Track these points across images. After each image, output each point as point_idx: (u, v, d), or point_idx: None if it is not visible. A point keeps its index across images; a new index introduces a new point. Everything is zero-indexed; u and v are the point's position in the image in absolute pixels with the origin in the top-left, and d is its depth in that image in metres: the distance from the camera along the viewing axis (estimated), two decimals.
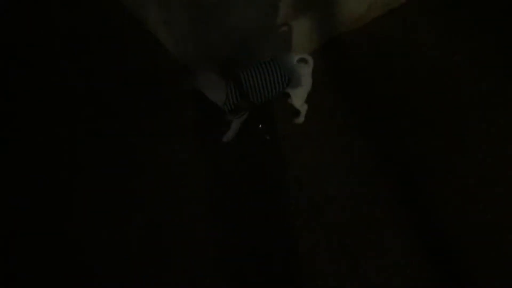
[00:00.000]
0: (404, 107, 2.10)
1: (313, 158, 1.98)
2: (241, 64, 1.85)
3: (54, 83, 2.22)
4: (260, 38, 1.98)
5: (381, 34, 2.36)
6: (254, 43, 1.98)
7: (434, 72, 2.22)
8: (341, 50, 2.33)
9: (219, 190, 1.91)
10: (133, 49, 2.30)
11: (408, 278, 1.69)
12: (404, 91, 2.15)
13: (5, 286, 1.72)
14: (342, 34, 2.37)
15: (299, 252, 1.75)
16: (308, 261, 1.73)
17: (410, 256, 1.72)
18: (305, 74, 1.82)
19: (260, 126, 2.07)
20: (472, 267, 1.72)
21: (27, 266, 1.74)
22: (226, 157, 1.99)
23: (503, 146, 1.97)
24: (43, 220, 1.83)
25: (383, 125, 2.06)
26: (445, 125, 2.04)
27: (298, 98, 1.93)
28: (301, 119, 2.05)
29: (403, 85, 2.17)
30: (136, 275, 1.72)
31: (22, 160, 1.98)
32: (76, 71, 2.25)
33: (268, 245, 1.78)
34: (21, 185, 1.91)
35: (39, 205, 1.87)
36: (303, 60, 1.82)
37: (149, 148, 2.00)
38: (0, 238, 1.80)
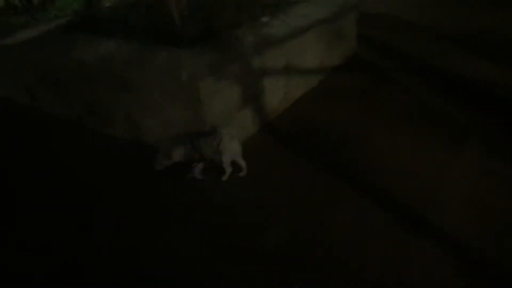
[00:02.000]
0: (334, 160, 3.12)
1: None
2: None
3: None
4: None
5: (294, 117, 3.64)
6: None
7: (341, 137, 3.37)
8: (272, 131, 3.50)
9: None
10: None
11: None
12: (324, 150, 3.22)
13: None
14: (270, 120, 3.57)
15: None
16: None
17: None
18: (229, 141, 2.79)
19: None
20: None
21: None
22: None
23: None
24: None
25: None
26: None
27: (225, 159, 2.82)
28: (225, 177, 2.88)
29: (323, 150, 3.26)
30: None
31: None
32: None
33: None
34: None
35: None
36: (228, 133, 2.82)
37: None
38: None
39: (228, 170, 2.91)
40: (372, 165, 2.98)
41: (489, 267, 2.16)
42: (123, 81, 3.14)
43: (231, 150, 2.85)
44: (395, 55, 4.79)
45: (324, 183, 2.84)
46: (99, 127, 3.56)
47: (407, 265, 2.17)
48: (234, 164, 2.93)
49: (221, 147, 2.80)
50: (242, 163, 2.94)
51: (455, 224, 2.41)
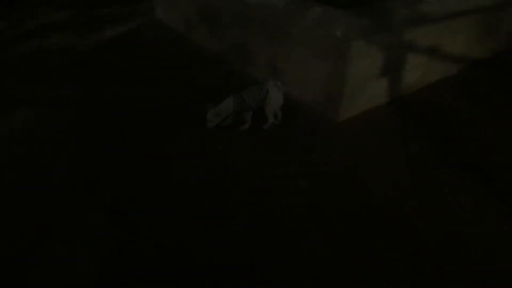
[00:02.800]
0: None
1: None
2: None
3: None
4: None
5: (424, 99, 3.59)
6: None
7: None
8: (400, 106, 3.50)
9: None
10: None
11: None
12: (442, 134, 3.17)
13: None
14: (401, 96, 3.58)
15: None
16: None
17: None
18: (275, 92, 3.02)
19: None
20: None
21: None
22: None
23: None
24: None
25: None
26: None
27: (269, 108, 3.05)
28: (266, 126, 3.10)
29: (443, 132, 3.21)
30: None
31: None
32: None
33: None
34: None
35: None
36: (276, 84, 3.04)
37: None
38: None
39: (271, 119, 3.10)
40: (491, 162, 2.89)
41: None
42: (275, 28, 3.38)
43: (276, 101, 3.06)
44: None
45: (435, 166, 2.83)
46: (239, 65, 3.90)
47: None
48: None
49: (267, 97, 3.03)
50: (279, 114, 3.16)
51: None
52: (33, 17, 5.58)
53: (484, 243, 2.26)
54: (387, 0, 3.62)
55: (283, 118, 3.21)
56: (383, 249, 2.20)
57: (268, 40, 3.49)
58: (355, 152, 2.93)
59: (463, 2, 3.79)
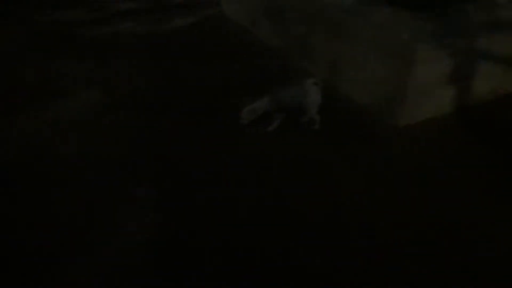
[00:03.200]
0: None
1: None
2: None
3: None
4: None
5: (496, 111, 3.32)
6: None
7: None
8: (467, 117, 3.29)
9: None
10: None
11: None
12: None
13: None
14: (470, 106, 3.36)
15: None
16: None
17: None
18: (315, 92, 2.87)
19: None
20: None
21: None
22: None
23: None
24: None
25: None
26: None
27: (311, 108, 2.92)
28: (316, 126, 2.99)
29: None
30: None
31: None
32: None
33: None
34: None
35: None
36: (315, 83, 2.88)
37: None
38: None
39: (318, 118, 2.98)
40: None
41: None
42: (339, 26, 3.33)
43: (318, 100, 2.92)
44: None
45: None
46: (299, 61, 3.89)
47: None
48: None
49: (308, 98, 2.87)
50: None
51: None
52: (110, 5, 5.93)
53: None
54: (461, 3, 3.43)
55: (336, 117, 3.17)
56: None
57: (331, 38, 3.44)
58: (406, 161, 2.80)
59: None
